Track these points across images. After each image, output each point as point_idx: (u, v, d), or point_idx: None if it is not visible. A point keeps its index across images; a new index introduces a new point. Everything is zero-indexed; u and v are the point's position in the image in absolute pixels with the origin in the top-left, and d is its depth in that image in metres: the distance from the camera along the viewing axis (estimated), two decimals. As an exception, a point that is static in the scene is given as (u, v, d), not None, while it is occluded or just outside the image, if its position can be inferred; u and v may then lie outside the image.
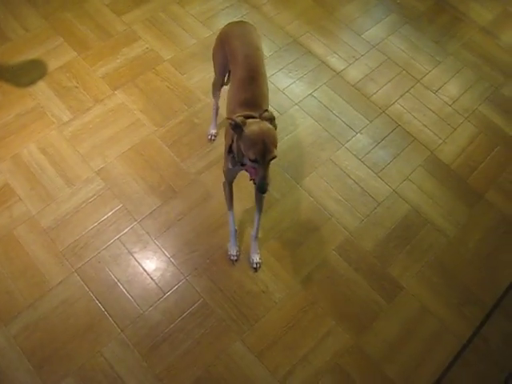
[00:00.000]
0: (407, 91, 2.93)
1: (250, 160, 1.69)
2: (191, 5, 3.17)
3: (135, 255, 2.25)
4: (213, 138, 2.59)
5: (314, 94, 2.85)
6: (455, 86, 3.00)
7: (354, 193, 2.51)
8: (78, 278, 2.17)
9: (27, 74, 2.77)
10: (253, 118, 1.78)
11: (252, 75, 1.95)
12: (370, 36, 3.17)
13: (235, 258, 2.26)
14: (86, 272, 2.19)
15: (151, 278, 2.20)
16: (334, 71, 2.96)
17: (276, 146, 1.68)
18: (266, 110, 1.78)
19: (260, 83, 1.96)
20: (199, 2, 3.19)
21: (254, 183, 1.74)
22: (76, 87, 2.73)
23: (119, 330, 2.06)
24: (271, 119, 1.74)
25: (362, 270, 2.30)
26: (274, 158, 1.68)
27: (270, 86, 2.79)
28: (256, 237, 2.24)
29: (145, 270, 2.21)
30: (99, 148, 2.53)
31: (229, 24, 2.19)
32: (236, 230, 2.26)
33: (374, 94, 2.89)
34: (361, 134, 2.72)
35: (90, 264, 2.21)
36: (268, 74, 2.80)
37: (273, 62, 2.96)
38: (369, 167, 2.61)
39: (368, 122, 2.77)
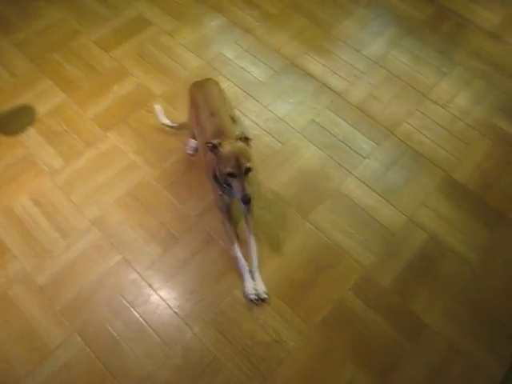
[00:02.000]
0: (415, 108, 2.77)
1: (228, 175, 1.95)
2: (181, 34, 3.05)
3: (137, 309, 2.11)
4: (191, 151, 2.52)
5: (317, 120, 2.69)
6: (465, 97, 2.83)
7: (366, 224, 2.35)
8: (79, 338, 2.04)
9: (16, 121, 2.66)
10: None
11: (211, 112, 2.22)
12: (370, 52, 3.01)
13: (255, 296, 2.11)
14: (86, 331, 2.05)
15: (156, 333, 2.05)
16: (336, 92, 2.81)
17: (249, 160, 1.97)
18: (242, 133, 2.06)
19: (220, 116, 2.22)
20: (189, 31, 3.07)
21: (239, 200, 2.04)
22: (66, 131, 2.61)
23: (124, 394, 1.92)
24: (247, 139, 2.04)
25: (380, 308, 2.13)
26: (249, 169, 1.96)
27: (269, 115, 2.70)
28: (257, 265, 2.17)
29: (149, 325, 2.07)
30: (94, 195, 2.40)
31: (192, 84, 2.43)
32: (247, 265, 2.16)
33: (380, 114, 2.73)
34: (369, 159, 2.56)
35: (91, 322, 2.07)
36: (266, 102, 2.75)
37: (270, 88, 2.82)
38: (380, 195, 2.44)
39: (376, 146, 2.61)
